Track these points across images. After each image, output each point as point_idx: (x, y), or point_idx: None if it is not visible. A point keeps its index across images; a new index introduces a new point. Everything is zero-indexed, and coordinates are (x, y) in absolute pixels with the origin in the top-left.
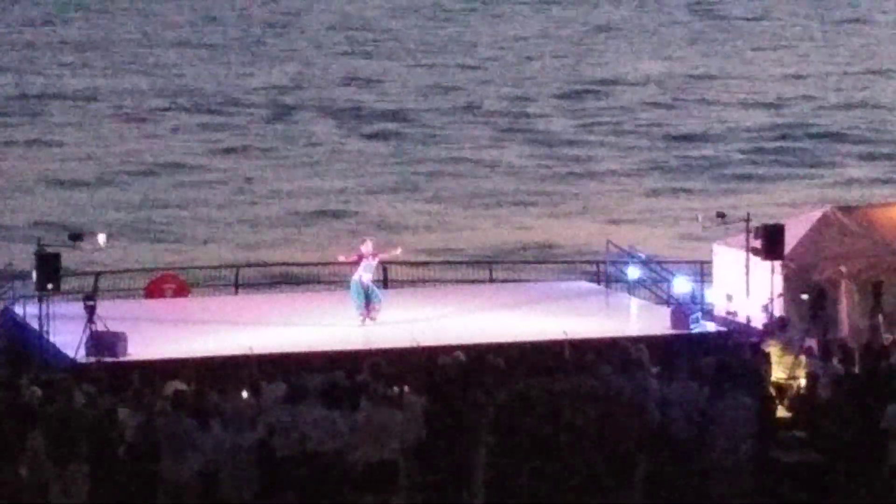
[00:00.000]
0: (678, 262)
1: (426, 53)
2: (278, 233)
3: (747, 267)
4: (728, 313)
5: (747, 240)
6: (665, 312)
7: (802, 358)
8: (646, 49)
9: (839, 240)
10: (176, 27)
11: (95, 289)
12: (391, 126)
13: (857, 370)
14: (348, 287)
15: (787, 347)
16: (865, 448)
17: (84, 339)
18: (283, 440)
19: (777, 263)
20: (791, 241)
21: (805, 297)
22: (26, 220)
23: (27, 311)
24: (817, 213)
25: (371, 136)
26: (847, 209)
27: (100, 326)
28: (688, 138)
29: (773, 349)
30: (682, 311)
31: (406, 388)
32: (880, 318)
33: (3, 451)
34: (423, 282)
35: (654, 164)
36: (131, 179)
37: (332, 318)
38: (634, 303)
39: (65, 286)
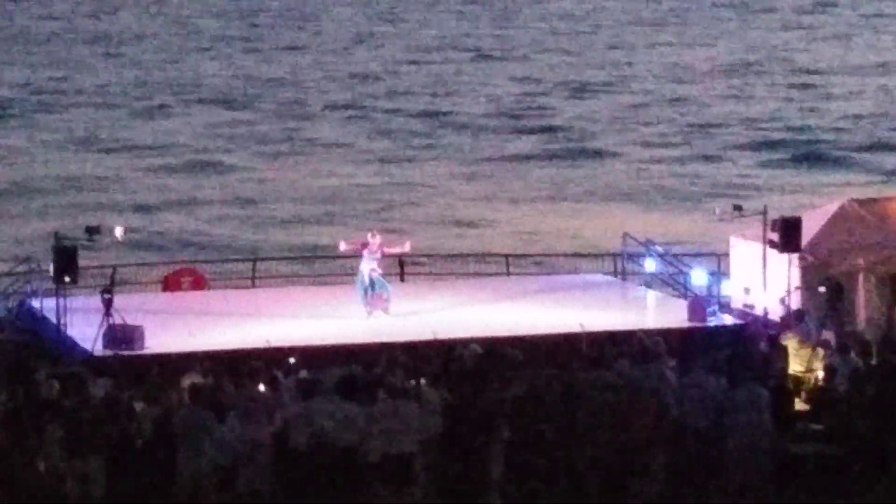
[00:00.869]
0: (695, 255)
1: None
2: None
3: (764, 260)
4: (745, 306)
5: (764, 232)
6: (682, 305)
7: (820, 350)
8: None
9: (857, 232)
10: None
11: (113, 282)
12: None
13: (874, 362)
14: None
15: (804, 340)
16: (883, 441)
17: (101, 333)
18: (300, 433)
19: (794, 256)
20: (808, 233)
21: (822, 289)
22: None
23: (44, 304)
24: (835, 206)
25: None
26: (864, 201)
27: (117, 319)
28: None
29: (790, 342)
30: (699, 303)
31: (423, 381)
32: None
33: (20, 444)
34: (440, 274)
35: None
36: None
37: (349, 311)
38: (651, 295)
39: (82, 281)
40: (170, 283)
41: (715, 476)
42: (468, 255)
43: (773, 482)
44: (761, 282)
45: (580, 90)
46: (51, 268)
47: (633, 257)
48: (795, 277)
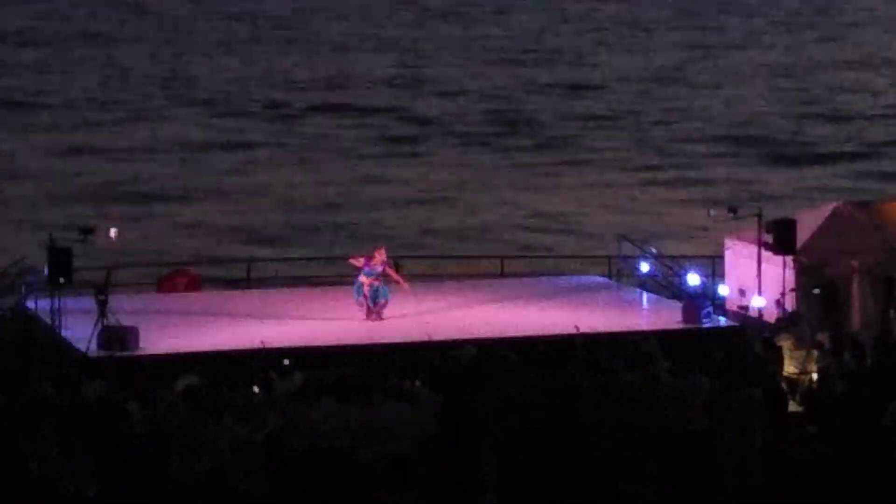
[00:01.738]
0: (690, 257)
1: None
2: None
3: (759, 262)
4: (740, 308)
5: (759, 234)
6: (677, 307)
7: (814, 352)
8: None
9: (851, 234)
10: None
11: (107, 283)
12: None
13: (868, 364)
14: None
15: (798, 342)
16: (875, 443)
17: (96, 334)
18: (295, 435)
19: (789, 258)
20: (803, 235)
21: (817, 291)
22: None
23: (39, 305)
24: (829, 208)
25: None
26: (859, 204)
27: (111, 321)
28: None
29: (784, 344)
30: (693, 305)
31: (418, 383)
32: (892, 312)
33: (14, 444)
34: (435, 276)
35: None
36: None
37: (344, 313)
38: (646, 297)
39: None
40: (165, 285)
41: (709, 477)
42: (463, 256)
43: (767, 484)
44: (756, 284)
45: (575, 89)
46: (45, 269)
47: (628, 259)
48: (790, 279)
